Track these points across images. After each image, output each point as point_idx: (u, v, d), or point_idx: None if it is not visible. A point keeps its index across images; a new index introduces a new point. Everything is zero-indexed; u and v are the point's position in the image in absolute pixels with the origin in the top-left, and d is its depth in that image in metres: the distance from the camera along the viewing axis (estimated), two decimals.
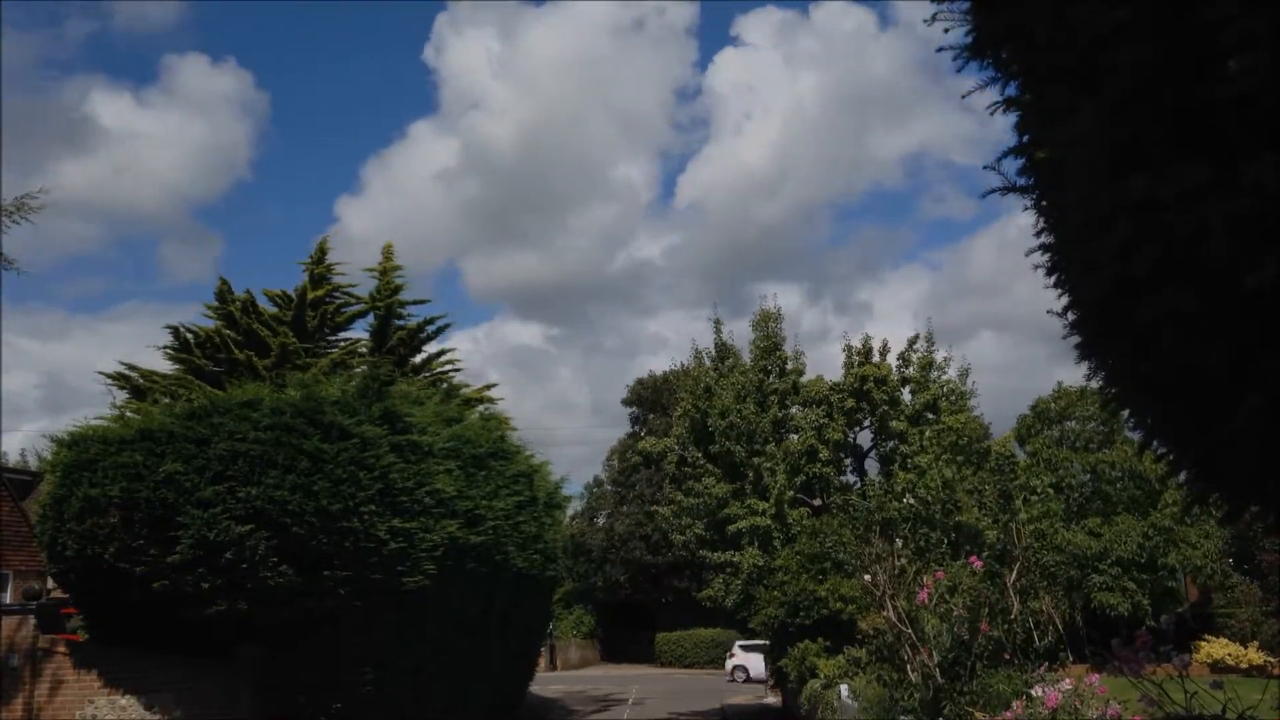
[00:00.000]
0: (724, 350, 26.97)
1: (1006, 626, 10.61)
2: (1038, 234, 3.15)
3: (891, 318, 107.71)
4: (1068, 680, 9.12)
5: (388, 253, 26.69)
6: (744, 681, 34.24)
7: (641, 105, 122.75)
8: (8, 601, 21.04)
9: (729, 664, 36.73)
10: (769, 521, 23.50)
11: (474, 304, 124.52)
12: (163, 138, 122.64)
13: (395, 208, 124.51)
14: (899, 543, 14.58)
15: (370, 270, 26.63)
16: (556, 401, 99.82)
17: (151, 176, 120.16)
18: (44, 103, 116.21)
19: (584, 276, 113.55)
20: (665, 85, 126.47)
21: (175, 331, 24.62)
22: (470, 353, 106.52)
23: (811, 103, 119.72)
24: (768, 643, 34.43)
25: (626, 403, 52.87)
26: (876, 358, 26.63)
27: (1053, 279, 3.11)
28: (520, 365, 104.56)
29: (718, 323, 27.82)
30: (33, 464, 39.91)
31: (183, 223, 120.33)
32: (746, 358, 26.73)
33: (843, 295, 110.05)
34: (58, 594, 19.46)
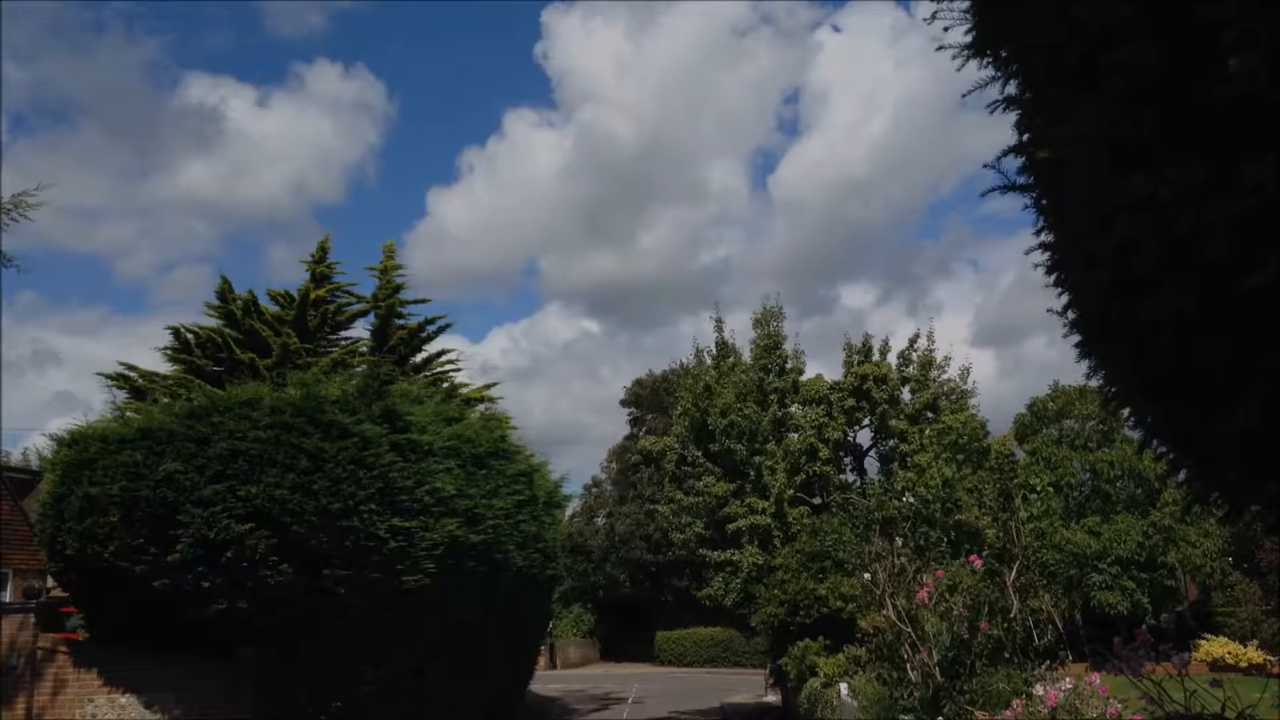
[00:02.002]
0: (725, 349, 26.98)
1: (1006, 625, 10.61)
2: (1037, 233, 3.15)
3: (959, 319, 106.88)
4: (1068, 679, 9.12)
5: (389, 252, 26.68)
6: None
7: (746, 104, 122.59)
8: (8, 600, 21.04)
9: None
10: (769, 520, 23.50)
11: (543, 300, 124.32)
12: (292, 139, 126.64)
13: (485, 202, 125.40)
14: (899, 541, 14.58)
15: (372, 269, 26.65)
16: (614, 399, 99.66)
17: (277, 176, 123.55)
18: (177, 104, 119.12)
19: (662, 275, 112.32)
20: (773, 84, 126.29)
21: (175, 332, 24.59)
22: (508, 350, 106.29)
23: (906, 99, 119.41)
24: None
25: (625, 403, 52.85)
26: (876, 356, 26.65)
27: (1052, 278, 3.11)
28: (577, 360, 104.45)
29: (719, 321, 27.81)
30: (34, 463, 39.89)
31: (301, 222, 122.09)
32: (747, 356, 26.74)
33: (917, 296, 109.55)
34: (57, 593, 19.47)
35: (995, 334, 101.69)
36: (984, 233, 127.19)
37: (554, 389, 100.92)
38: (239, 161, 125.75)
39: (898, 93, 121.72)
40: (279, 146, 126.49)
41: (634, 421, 52.09)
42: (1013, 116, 3.09)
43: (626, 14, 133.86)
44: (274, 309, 25.54)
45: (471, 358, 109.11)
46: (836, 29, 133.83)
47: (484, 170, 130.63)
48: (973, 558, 11.91)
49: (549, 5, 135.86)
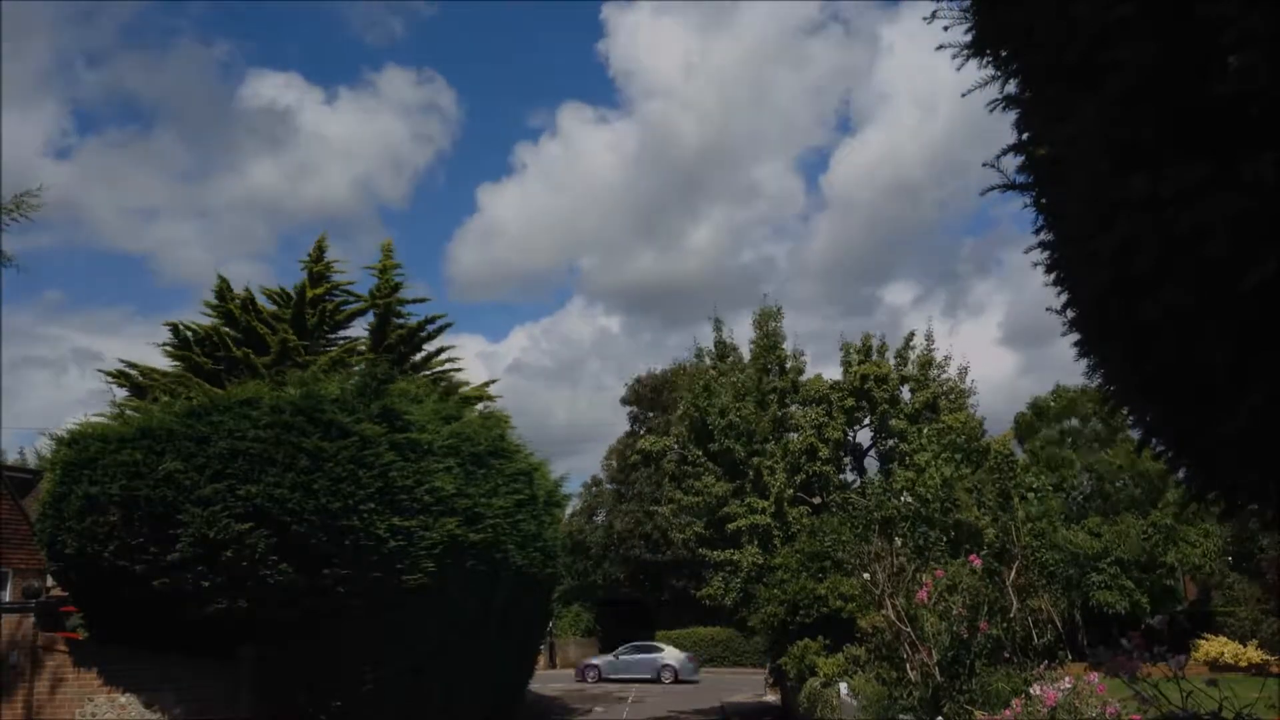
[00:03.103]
0: (724, 349, 26.99)
1: (1005, 625, 10.62)
2: (1036, 231, 3.15)
3: (994, 317, 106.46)
4: (1067, 679, 9.12)
5: (387, 251, 26.67)
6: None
7: (803, 103, 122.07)
8: (8, 600, 21.04)
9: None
10: (769, 520, 23.49)
11: (582, 299, 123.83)
12: (357, 140, 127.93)
13: (535, 200, 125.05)
14: (898, 541, 14.60)
15: (371, 268, 26.65)
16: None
17: (340, 177, 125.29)
18: (245, 105, 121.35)
19: (707, 274, 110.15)
20: (833, 84, 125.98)
21: (174, 329, 24.58)
22: (528, 349, 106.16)
23: (955, 97, 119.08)
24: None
25: (625, 401, 52.83)
26: (875, 356, 26.64)
27: (1052, 277, 3.11)
28: (607, 358, 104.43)
29: (718, 321, 27.87)
30: (33, 462, 39.89)
31: (363, 221, 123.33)
32: (746, 355, 26.76)
33: (957, 295, 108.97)
34: (57, 592, 19.46)
35: (1030, 331, 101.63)
36: (1028, 227, 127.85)
37: (580, 387, 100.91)
38: (302, 162, 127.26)
39: (954, 89, 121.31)
40: (344, 148, 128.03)
41: (634, 420, 52.06)
42: (1012, 115, 3.09)
43: (683, 11, 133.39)
44: (271, 308, 25.54)
45: (490, 356, 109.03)
46: (896, 24, 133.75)
47: (536, 168, 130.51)
48: (972, 557, 11.92)
49: (608, 2, 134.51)
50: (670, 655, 36.11)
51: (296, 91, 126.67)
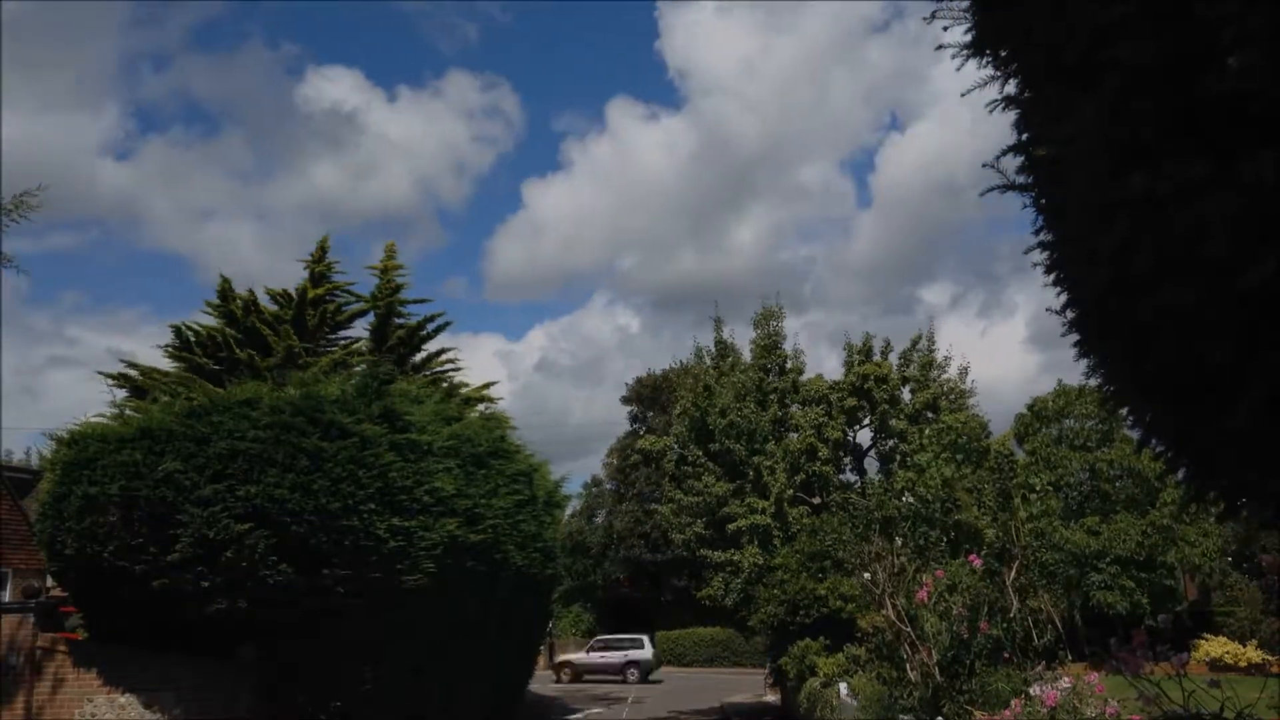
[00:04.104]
0: (724, 349, 26.99)
1: (1005, 625, 10.62)
2: (1036, 231, 3.15)
3: (1023, 319, 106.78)
4: (1067, 679, 9.12)
5: (389, 251, 26.66)
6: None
7: (853, 104, 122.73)
8: (7, 600, 21.03)
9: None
10: (769, 520, 23.49)
11: (599, 296, 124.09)
12: (418, 142, 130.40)
13: (579, 199, 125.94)
14: (898, 541, 14.59)
15: (372, 269, 26.64)
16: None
17: (398, 178, 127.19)
18: (308, 108, 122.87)
19: (747, 273, 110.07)
20: (885, 85, 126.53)
21: (177, 330, 24.56)
22: (545, 349, 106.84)
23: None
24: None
25: (626, 401, 52.84)
26: (877, 356, 26.66)
27: (1051, 277, 3.11)
28: (633, 356, 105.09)
29: (718, 321, 27.88)
30: (33, 462, 39.86)
31: (425, 222, 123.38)
32: (747, 356, 26.77)
33: (992, 295, 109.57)
34: (57, 592, 19.45)
35: (1057, 330, 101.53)
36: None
37: (602, 386, 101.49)
38: (364, 164, 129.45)
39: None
40: (406, 150, 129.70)
41: (635, 419, 52.08)
42: (1012, 115, 3.09)
43: (747, 10, 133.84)
44: (273, 308, 25.51)
45: (509, 355, 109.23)
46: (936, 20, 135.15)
47: (584, 164, 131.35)
48: (972, 557, 11.92)
49: (663, 1, 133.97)
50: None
51: (363, 94, 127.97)
